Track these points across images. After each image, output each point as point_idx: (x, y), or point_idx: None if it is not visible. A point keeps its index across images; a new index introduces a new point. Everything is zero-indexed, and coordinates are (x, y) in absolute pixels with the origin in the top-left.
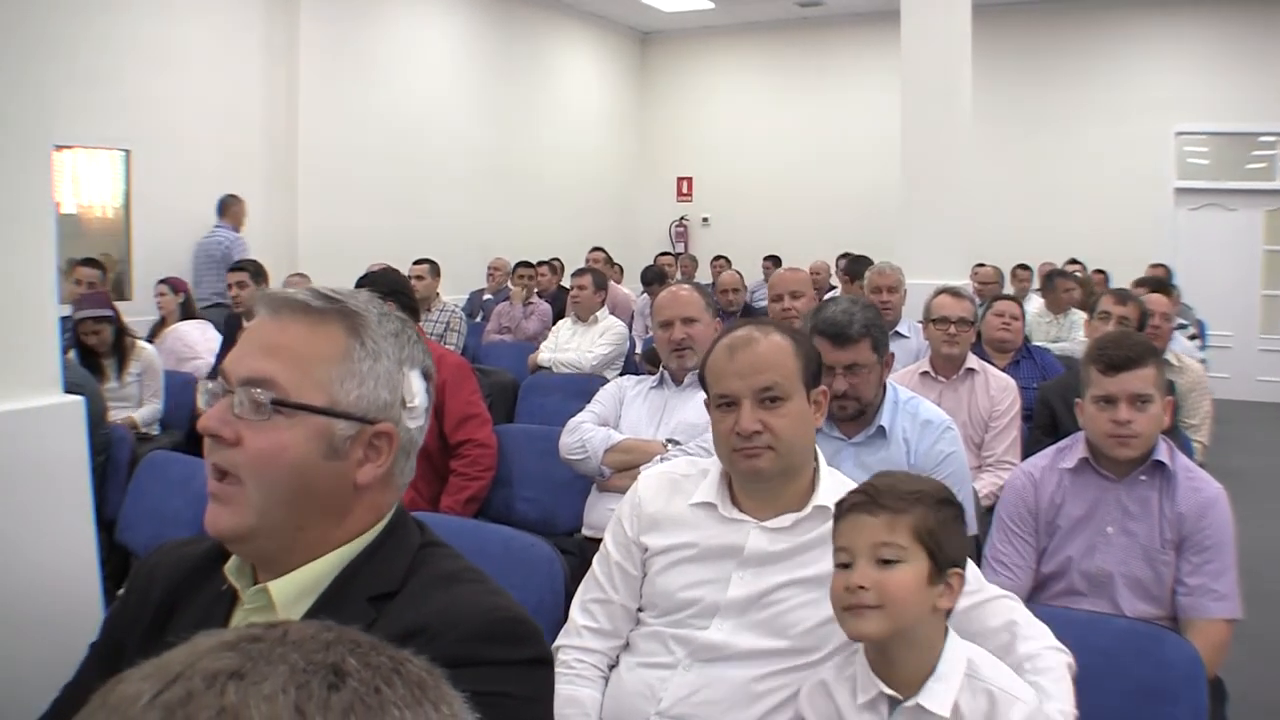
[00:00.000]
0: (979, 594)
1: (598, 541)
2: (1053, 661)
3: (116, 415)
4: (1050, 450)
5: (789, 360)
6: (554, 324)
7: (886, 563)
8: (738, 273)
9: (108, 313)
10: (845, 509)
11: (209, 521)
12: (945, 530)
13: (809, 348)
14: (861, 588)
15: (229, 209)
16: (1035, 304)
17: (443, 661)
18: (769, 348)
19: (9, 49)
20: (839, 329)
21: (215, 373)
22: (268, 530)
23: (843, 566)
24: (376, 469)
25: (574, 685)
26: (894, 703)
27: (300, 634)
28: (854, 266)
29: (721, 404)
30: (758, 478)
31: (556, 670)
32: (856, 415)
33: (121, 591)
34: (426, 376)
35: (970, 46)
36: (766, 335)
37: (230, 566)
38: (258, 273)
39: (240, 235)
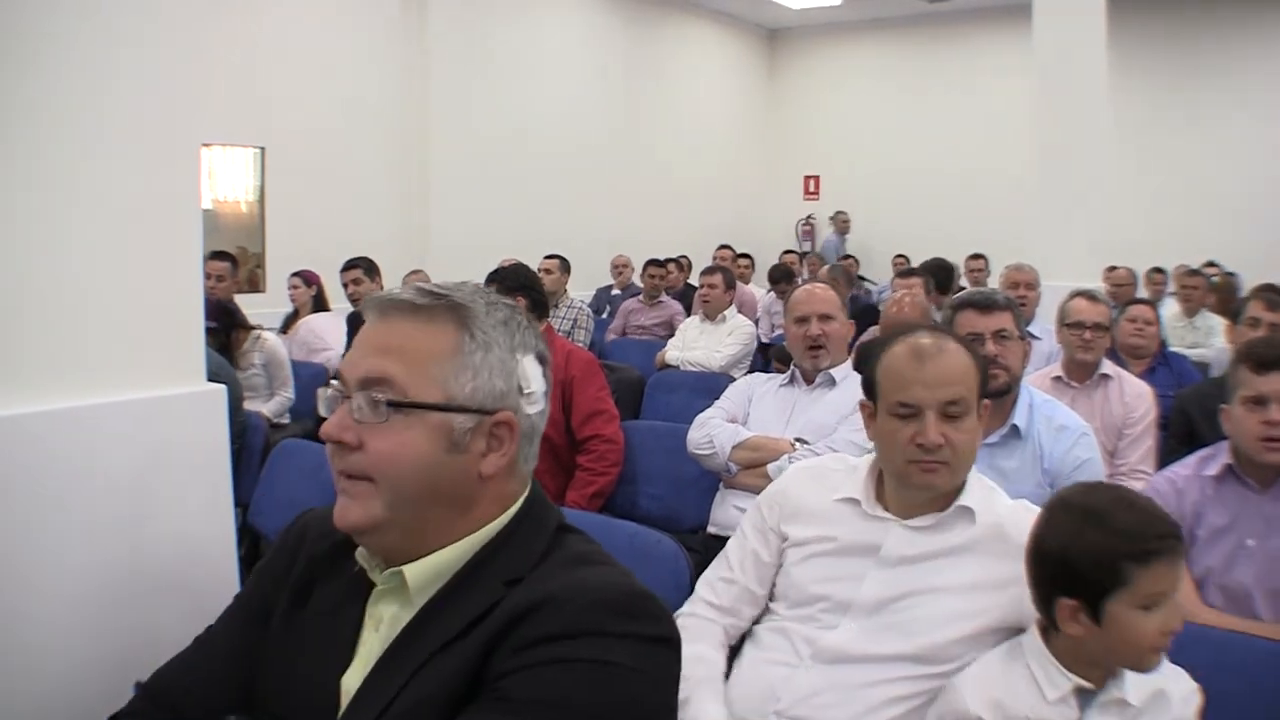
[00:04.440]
0: None
1: (723, 539)
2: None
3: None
4: (1193, 458)
5: (973, 374)
6: (681, 321)
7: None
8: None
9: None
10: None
11: (338, 515)
12: None
13: (981, 359)
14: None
15: (835, 219)
16: (1171, 308)
17: (565, 630)
18: (957, 359)
19: (159, 52)
20: (986, 297)
21: (334, 375)
22: (395, 524)
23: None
24: (501, 458)
25: (692, 645)
26: (1087, 696)
27: None
28: (939, 277)
29: (902, 412)
30: (931, 491)
31: None
32: (1006, 390)
33: (274, 544)
34: (542, 361)
35: (1106, 39)
36: (952, 345)
37: (360, 551)
38: (370, 269)
39: (843, 239)
